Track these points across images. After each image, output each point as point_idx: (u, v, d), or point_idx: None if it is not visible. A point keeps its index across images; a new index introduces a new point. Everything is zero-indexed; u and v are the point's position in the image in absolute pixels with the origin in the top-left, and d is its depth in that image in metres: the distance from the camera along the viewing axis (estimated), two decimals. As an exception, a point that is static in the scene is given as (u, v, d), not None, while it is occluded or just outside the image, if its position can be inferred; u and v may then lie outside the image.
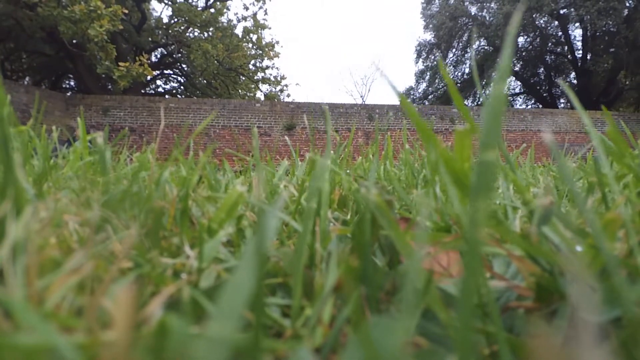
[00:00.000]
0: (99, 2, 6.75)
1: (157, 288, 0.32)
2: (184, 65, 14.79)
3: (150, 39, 14.30)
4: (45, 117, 10.32)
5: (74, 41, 7.64)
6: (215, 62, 11.18)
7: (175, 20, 12.87)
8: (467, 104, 22.35)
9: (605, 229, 0.34)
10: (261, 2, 12.43)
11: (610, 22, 12.71)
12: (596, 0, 12.75)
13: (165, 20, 14.84)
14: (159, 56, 14.65)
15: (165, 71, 15.62)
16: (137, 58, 7.26)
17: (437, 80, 20.11)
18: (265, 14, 12.89)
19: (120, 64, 7.02)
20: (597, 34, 13.83)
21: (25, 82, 17.78)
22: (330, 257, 0.36)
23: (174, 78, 16.43)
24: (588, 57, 17.45)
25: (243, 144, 11.21)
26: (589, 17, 13.03)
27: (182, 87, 16.64)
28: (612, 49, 14.44)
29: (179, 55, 13.38)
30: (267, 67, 13.93)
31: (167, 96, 15.64)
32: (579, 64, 17.95)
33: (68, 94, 10.76)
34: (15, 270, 0.21)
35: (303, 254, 0.31)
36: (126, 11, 7.49)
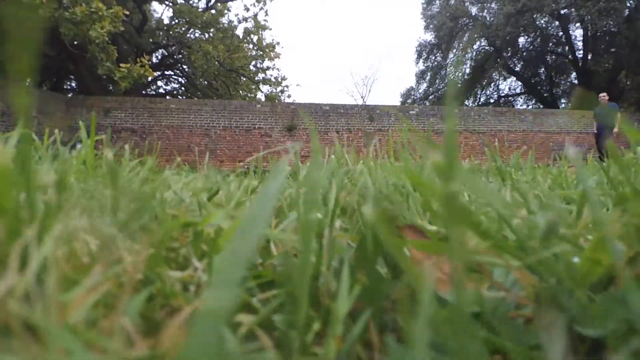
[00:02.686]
0: (99, 4, 6.77)
1: (167, 301, 0.33)
2: (184, 67, 14.80)
3: (151, 39, 14.32)
4: (46, 118, 10.34)
5: (75, 42, 7.66)
6: (216, 62, 11.19)
7: (176, 21, 12.89)
8: (467, 104, 22.34)
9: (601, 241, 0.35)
10: (262, 3, 12.44)
11: (611, 23, 12.71)
12: (597, 0, 12.73)
13: (166, 21, 14.87)
14: (159, 57, 14.67)
15: (166, 72, 15.63)
16: (138, 59, 7.27)
17: (437, 81, 20.12)
18: (266, 14, 12.90)
19: (121, 65, 7.04)
20: (598, 34, 13.84)
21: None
22: (338, 268, 0.37)
23: (175, 79, 16.45)
24: (589, 57, 17.44)
25: (244, 144, 11.23)
26: (589, 17, 13.01)
27: (182, 88, 16.65)
28: (612, 49, 14.42)
29: (180, 56, 13.40)
30: (268, 68, 13.94)
31: (167, 97, 15.64)
32: (580, 64, 17.93)
33: (69, 95, 10.77)
34: (40, 291, 0.22)
35: (310, 267, 0.32)
36: (127, 12, 7.51)
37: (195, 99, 13.50)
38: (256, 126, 11.23)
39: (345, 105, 11.84)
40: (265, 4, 12.36)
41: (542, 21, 16.99)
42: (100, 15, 6.71)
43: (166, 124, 10.88)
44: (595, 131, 8.84)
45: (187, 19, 12.79)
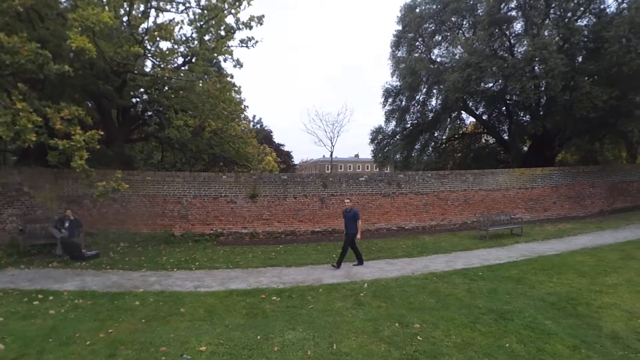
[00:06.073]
0: (78, 137, 8.17)
1: None
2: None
3: (131, 93, 15.59)
4: (37, 191, 11.81)
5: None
6: (189, 134, 12.55)
7: (152, 84, 14.10)
8: (436, 134, 23.82)
9: None
10: (229, 76, 13.63)
11: (545, 96, 14.04)
12: (531, 77, 14.06)
13: (147, 68, 15.96)
14: (139, 110, 15.92)
15: (145, 116, 16.75)
16: (114, 175, 8.71)
17: (405, 120, 21.46)
18: (234, 86, 14.05)
19: (99, 183, 8.50)
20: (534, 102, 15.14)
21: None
22: None
23: (153, 122, 17.61)
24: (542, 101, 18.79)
25: (212, 210, 12.81)
26: (523, 90, 14.30)
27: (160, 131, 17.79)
28: (552, 111, 15.81)
29: (156, 117, 14.64)
30: (237, 135, 15.20)
31: (147, 140, 16.78)
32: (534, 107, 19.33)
33: (56, 169, 12.16)
34: None
35: None
36: (102, 133, 8.89)
37: (169, 172, 14.88)
38: (222, 194, 12.79)
39: (301, 175, 13.39)
40: (232, 77, 13.58)
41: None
42: (79, 147, 8.13)
43: (143, 193, 12.41)
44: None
45: (162, 83, 14.06)
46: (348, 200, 9.23)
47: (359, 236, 8.89)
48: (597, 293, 6.76)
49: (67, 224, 10.66)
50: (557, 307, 6.16)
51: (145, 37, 12.55)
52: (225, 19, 13.96)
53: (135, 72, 13.00)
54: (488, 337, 5.15)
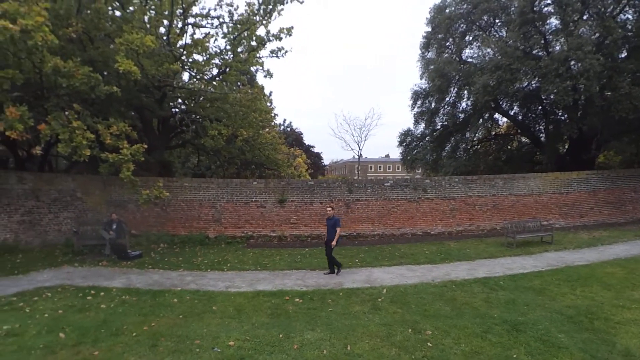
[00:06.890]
0: (126, 151, 9.13)
1: None
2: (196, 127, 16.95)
3: (171, 104, 16.75)
4: (88, 196, 13.12)
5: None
6: (222, 142, 13.41)
7: (191, 96, 15.13)
8: (467, 136, 23.35)
9: None
10: (260, 87, 14.34)
11: (581, 98, 13.48)
12: (565, 78, 13.56)
13: (186, 78, 17.06)
14: (177, 120, 17.06)
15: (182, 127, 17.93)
16: (155, 183, 9.66)
17: (434, 122, 21.22)
18: (265, 94, 14.75)
19: (143, 191, 9.46)
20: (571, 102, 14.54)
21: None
22: None
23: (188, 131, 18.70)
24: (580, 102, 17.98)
25: (244, 214, 13.59)
26: (556, 91, 13.81)
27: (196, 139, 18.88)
28: (589, 112, 15.14)
29: (193, 126, 15.67)
30: (268, 142, 15.93)
31: (185, 146, 17.80)
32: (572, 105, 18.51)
33: (104, 177, 13.41)
34: None
35: None
36: (145, 146, 9.84)
37: (205, 178, 15.84)
38: (253, 199, 13.53)
39: (327, 181, 13.84)
40: (263, 88, 14.29)
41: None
42: (127, 160, 9.08)
43: (181, 198, 13.41)
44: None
45: (198, 94, 15.03)
46: (330, 209, 9.29)
47: (334, 243, 9.00)
48: (619, 308, 6.64)
49: (114, 227, 11.80)
50: (573, 321, 6.15)
51: (183, 53, 13.51)
52: (257, 31, 14.68)
53: (175, 85, 13.99)
54: (497, 347, 5.27)
